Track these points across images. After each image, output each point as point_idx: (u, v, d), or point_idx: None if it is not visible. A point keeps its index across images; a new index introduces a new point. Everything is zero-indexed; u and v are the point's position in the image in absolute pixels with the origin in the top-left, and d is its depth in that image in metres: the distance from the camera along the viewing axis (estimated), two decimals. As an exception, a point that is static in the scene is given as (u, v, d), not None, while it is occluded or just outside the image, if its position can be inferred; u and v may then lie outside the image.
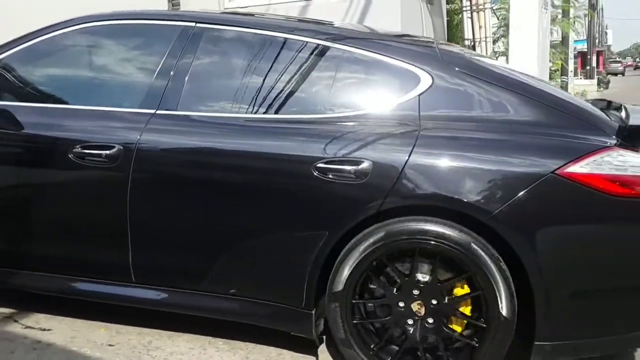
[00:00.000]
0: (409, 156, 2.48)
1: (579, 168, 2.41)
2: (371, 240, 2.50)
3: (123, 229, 2.75)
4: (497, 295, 2.42)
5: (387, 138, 2.57)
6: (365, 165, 2.50)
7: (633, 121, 2.65)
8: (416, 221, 2.48)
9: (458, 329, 2.55)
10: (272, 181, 2.63)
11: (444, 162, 2.47)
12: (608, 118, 2.69)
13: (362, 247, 2.51)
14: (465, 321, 2.53)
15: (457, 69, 2.68)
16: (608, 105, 3.06)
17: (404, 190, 2.47)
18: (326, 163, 2.53)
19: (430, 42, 3.07)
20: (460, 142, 2.53)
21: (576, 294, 2.43)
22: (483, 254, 2.41)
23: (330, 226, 2.55)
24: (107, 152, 2.73)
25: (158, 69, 2.85)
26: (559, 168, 2.40)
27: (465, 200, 2.43)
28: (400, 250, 2.51)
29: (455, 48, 3.31)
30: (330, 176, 2.53)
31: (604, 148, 2.47)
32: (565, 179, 2.39)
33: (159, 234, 2.77)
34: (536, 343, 2.46)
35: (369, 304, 2.61)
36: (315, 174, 2.53)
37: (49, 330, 2.97)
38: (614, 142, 2.50)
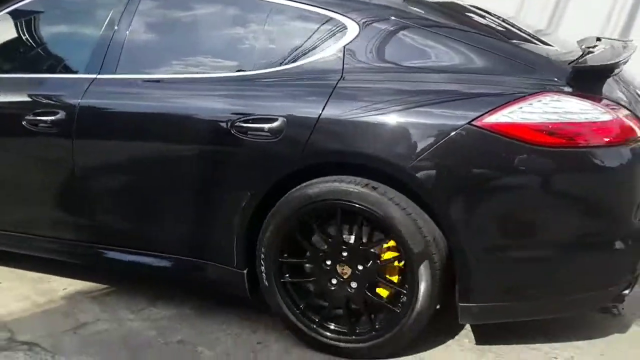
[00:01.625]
0: (322, 111, 2.38)
1: (500, 117, 2.22)
2: (291, 201, 2.44)
3: (73, 192, 2.86)
4: (413, 251, 2.29)
5: (304, 93, 2.47)
6: (279, 122, 2.43)
7: (582, 62, 2.39)
8: (330, 182, 2.38)
9: (384, 293, 2.45)
10: (196, 141, 2.61)
11: (355, 115, 2.34)
12: (558, 59, 2.43)
13: (284, 208, 2.46)
14: (392, 286, 2.43)
15: (389, 17, 2.51)
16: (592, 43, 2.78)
17: (316, 148, 2.38)
18: (244, 122, 2.48)
19: None
20: (375, 93, 2.38)
21: (495, 253, 2.27)
22: (396, 211, 2.29)
23: (251, 186, 2.51)
24: (53, 118, 2.82)
25: (100, 34, 2.89)
26: (476, 118, 2.22)
27: (375, 155, 2.31)
28: (321, 211, 2.43)
29: None
30: (249, 135, 2.47)
31: (536, 93, 2.25)
32: (482, 130, 2.21)
33: (101, 196, 2.85)
34: (460, 304, 2.33)
35: (295, 263, 2.55)
36: (233, 132, 2.49)
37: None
38: (552, 85, 2.27)
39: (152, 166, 2.71)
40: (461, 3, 2.94)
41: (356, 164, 2.35)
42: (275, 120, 2.43)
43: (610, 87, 2.47)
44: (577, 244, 2.26)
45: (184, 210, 2.70)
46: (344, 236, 2.44)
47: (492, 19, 2.78)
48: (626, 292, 2.37)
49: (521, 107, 2.22)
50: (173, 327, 2.75)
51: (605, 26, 6.07)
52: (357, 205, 2.33)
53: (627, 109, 2.36)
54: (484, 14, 2.84)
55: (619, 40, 2.94)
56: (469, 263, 2.27)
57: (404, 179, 2.29)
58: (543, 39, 2.71)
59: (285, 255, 2.53)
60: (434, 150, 2.23)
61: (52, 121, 2.81)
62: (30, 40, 3.18)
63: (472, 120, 2.22)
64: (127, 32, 2.83)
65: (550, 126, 2.19)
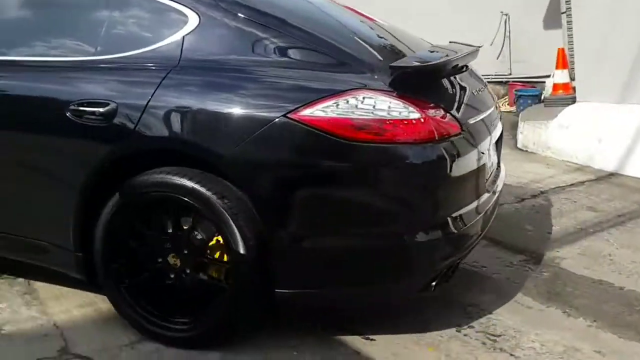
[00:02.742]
0: (150, 98, 2.44)
1: (315, 111, 2.31)
2: (118, 192, 2.49)
3: None
4: (231, 237, 2.36)
5: (139, 80, 2.52)
6: (111, 107, 2.47)
7: (399, 62, 2.51)
8: (150, 174, 2.44)
9: (215, 274, 2.52)
10: (36, 124, 2.64)
11: (179, 103, 2.42)
12: (379, 58, 2.54)
13: (114, 198, 2.50)
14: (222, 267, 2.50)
15: (228, 8, 2.59)
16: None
17: (142, 134, 2.44)
18: (78, 105, 2.52)
19: None
20: (201, 83, 2.46)
21: (304, 241, 2.36)
22: (213, 199, 2.36)
23: (85, 169, 2.54)
24: None
25: None
26: (291, 111, 2.31)
27: (196, 144, 2.38)
28: (145, 201, 2.49)
29: None
30: (83, 118, 2.51)
31: (352, 90, 2.36)
32: (296, 122, 2.30)
33: None
34: (276, 290, 2.42)
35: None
36: (68, 115, 2.53)
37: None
38: (371, 83, 2.38)
39: None
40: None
41: (177, 152, 2.42)
42: (107, 104, 2.48)
43: (439, 88, 2.61)
44: (377, 237, 2.36)
45: (29, 192, 2.72)
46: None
47: (336, 15, 2.89)
48: (433, 284, 2.49)
49: (336, 103, 2.32)
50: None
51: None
52: (177, 196, 2.40)
53: (444, 110, 2.49)
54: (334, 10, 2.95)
55: (466, 45, 3.07)
56: (280, 251, 2.36)
57: (222, 167, 2.36)
58: (398, 41, 2.85)
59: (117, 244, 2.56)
60: (251, 140, 2.31)
61: None
62: None
63: (288, 112, 2.30)
64: None
65: (359, 121, 2.30)
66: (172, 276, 2.52)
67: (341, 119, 2.29)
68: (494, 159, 3.03)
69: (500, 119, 3.23)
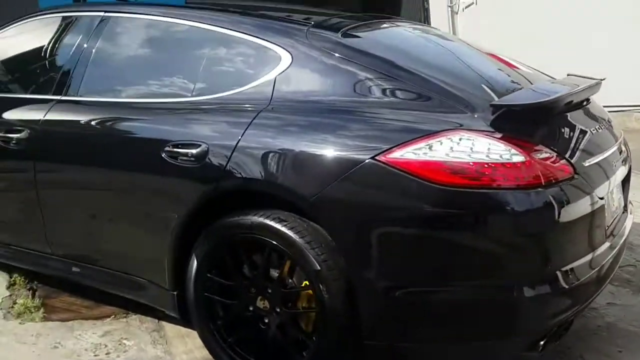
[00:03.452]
0: (240, 139, 2.41)
1: (406, 153, 2.16)
2: (209, 232, 2.48)
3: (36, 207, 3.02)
4: (318, 284, 2.25)
5: (229, 121, 2.51)
6: (202, 148, 2.47)
7: (501, 101, 2.30)
8: (242, 215, 2.40)
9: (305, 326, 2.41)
10: (134, 165, 2.70)
11: (268, 145, 2.36)
12: (484, 97, 2.35)
13: (206, 238, 2.49)
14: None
15: (322, 48, 2.52)
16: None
17: (233, 175, 2.40)
18: (173, 147, 2.54)
19: (301, 20, 2.89)
20: (291, 124, 2.40)
21: (394, 291, 2.18)
22: (301, 243, 2.27)
23: (178, 209, 2.55)
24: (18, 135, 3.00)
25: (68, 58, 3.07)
26: (380, 153, 2.18)
27: (283, 185, 2.31)
28: (239, 243, 2.43)
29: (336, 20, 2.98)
30: (177, 160, 2.53)
31: (446, 130, 2.19)
32: (385, 165, 2.16)
33: (55, 212, 2.99)
34: (365, 342, 2.27)
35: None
36: (164, 156, 2.56)
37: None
38: (469, 123, 2.21)
39: (97, 187, 2.83)
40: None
41: (265, 193, 2.36)
42: (199, 145, 2.48)
43: (549, 127, 2.38)
44: (474, 290, 2.15)
45: (127, 231, 2.78)
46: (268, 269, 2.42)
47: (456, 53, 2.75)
48: (541, 343, 2.23)
49: (429, 145, 2.17)
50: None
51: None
52: (267, 240, 2.34)
53: (554, 151, 2.25)
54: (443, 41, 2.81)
55: (586, 78, 2.79)
56: (369, 300, 2.22)
57: (309, 210, 2.27)
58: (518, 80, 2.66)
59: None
60: (338, 183, 2.20)
61: (17, 138, 2.99)
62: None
63: (377, 154, 2.17)
64: (90, 57, 2.98)
65: (456, 166, 2.12)
66: (266, 321, 2.43)
67: (433, 162, 2.13)
68: (618, 203, 2.70)
69: (629, 157, 2.90)
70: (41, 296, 3.20)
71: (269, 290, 2.39)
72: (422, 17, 5.97)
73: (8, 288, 3.30)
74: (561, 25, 6.89)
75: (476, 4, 7.56)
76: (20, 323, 2.98)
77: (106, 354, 2.74)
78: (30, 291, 3.24)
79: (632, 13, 6.87)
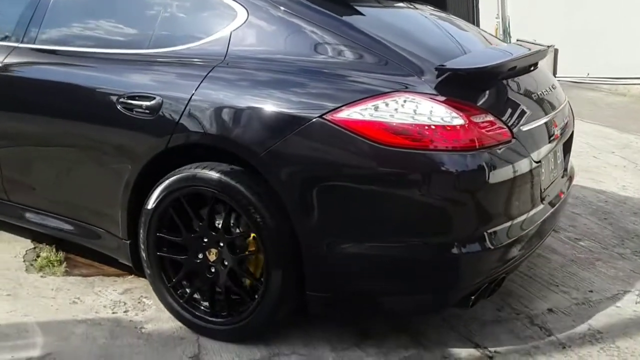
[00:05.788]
0: (194, 93, 2.45)
1: (352, 113, 2.24)
2: (164, 183, 2.54)
3: None
4: (262, 234, 2.35)
5: (184, 75, 2.55)
6: (157, 100, 2.51)
7: (446, 63, 2.37)
8: (193, 168, 2.47)
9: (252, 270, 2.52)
10: (88, 112, 2.73)
11: (221, 100, 2.41)
12: (431, 59, 2.42)
13: (157, 190, 2.55)
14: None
15: (279, 5, 2.55)
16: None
17: (184, 128, 2.46)
18: (128, 98, 2.58)
19: None
20: (244, 79, 2.45)
21: (337, 246, 2.29)
22: (250, 196, 2.36)
23: (132, 161, 2.60)
24: None
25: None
26: (327, 112, 2.25)
27: (235, 140, 2.37)
28: (190, 194, 2.50)
29: None
30: (133, 112, 2.57)
31: (393, 92, 2.27)
32: (331, 124, 2.24)
33: (14, 160, 3.04)
34: (307, 292, 2.39)
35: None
36: (119, 108, 2.59)
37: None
38: (415, 86, 2.28)
39: (52, 135, 2.86)
40: None
41: (218, 148, 2.42)
42: (153, 98, 2.52)
43: (493, 91, 2.46)
44: (407, 247, 2.26)
45: (82, 180, 2.83)
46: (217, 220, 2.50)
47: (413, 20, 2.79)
48: (472, 298, 2.37)
49: (375, 105, 2.24)
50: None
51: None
52: (215, 191, 2.42)
53: (494, 115, 2.34)
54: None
55: (533, 44, 2.88)
56: (310, 253, 2.32)
57: (258, 165, 2.34)
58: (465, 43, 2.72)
59: (164, 231, 2.61)
60: (287, 140, 2.28)
61: None
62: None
63: (325, 113, 2.25)
64: (49, 4, 2.98)
65: (398, 126, 2.20)
66: (212, 271, 2.53)
67: (378, 123, 2.21)
68: (557, 167, 2.83)
69: (571, 122, 3.01)
70: (65, 250, 3.22)
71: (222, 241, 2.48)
72: None
73: (32, 241, 3.31)
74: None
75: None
76: (41, 276, 2.99)
77: (124, 312, 2.74)
78: (54, 245, 3.24)
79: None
